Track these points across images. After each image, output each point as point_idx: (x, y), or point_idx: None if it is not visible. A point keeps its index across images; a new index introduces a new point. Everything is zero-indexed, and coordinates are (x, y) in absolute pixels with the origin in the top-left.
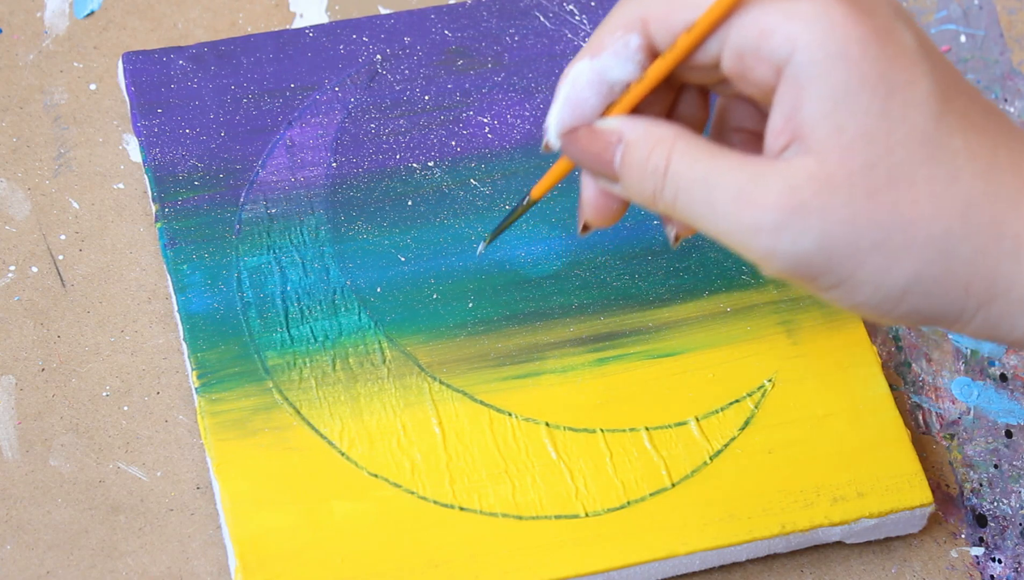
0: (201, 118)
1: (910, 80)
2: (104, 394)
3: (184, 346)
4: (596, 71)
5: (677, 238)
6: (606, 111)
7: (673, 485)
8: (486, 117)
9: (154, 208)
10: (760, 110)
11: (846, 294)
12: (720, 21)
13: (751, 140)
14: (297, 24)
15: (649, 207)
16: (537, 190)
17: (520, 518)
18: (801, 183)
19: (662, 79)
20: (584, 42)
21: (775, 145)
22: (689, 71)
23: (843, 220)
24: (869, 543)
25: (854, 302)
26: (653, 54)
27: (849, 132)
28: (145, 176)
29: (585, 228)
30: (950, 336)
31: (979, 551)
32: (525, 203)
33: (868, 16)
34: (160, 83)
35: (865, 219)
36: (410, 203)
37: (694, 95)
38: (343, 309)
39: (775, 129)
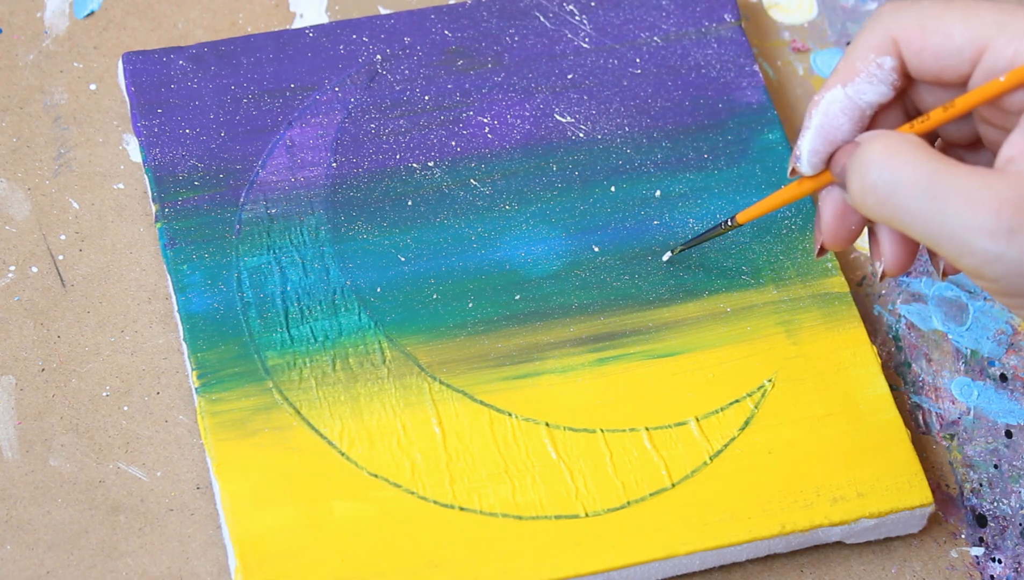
0: (201, 118)
1: None
2: (104, 394)
3: (184, 346)
4: (849, 97)
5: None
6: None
7: (673, 485)
8: (486, 117)
9: (154, 208)
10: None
11: None
12: (987, 100)
13: None
14: (297, 24)
15: (863, 209)
16: (743, 216)
17: (520, 518)
18: None
19: (928, 131)
20: (584, 42)
21: (1007, 153)
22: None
23: None
24: (869, 543)
25: None
26: (905, 74)
27: None
28: (145, 176)
29: (821, 250)
30: (950, 336)
31: (979, 551)
32: (729, 224)
33: None
34: (160, 83)
35: None
36: (410, 203)
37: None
38: (343, 309)
39: (1013, 142)
